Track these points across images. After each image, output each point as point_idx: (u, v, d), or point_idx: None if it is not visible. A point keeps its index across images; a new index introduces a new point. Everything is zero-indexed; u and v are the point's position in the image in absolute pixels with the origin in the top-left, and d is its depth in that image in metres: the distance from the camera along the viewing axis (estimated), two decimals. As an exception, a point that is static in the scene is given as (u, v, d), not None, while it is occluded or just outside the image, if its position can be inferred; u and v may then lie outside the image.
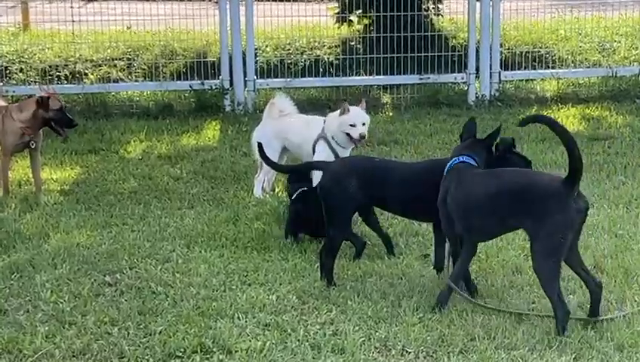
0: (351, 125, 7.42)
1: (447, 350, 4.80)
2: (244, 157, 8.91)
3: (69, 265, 6.26)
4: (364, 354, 4.74)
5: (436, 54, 11.40)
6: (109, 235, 6.90)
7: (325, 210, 5.91)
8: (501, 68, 11.39)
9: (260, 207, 7.26)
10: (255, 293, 5.66)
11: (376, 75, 11.62)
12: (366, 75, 11.69)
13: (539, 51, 11.94)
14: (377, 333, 4.99)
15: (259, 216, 7.09)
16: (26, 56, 12.53)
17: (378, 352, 4.81)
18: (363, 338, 4.91)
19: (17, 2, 14.04)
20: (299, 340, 4.99)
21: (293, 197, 6.77)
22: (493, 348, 4.81)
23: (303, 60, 12.16)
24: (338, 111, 7.48)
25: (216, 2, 11.36)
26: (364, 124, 7.53)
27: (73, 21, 12.19)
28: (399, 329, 5.01)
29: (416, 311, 5.26)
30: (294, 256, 6.32)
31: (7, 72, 11.84)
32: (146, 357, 4.87)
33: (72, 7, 12.07)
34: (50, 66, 12.33)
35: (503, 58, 11.56)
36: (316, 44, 12.50)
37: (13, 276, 6.11)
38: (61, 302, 5.63)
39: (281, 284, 5.79)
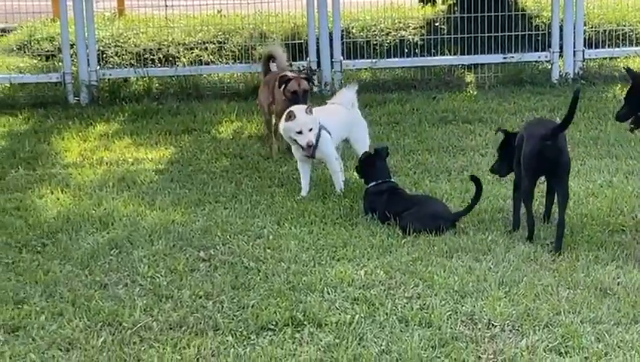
0: (297, 132, 7.22)
1: (533, 324, 4.78)
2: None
3: (165, 241, 6.37)
4: (451, 328, 4.74)
5: (520, 33, 11.28)
6: (203, 212, 6.97)
7: None
8: (585, 46, 11.22)
9: (347, 184, 7.28)
10: (344, 268, 5.69)
11: (460, 54, 11.55)
12: (450, 54, 11.62)
13: (622, 29, 11.71)
14: (463, 307, 4.99)
15: (347, 193, 7.12)
16: (121, 41, 12.72)
17: (464, 326, 4.80)
18: (449, 312, 4.92)
19: (113, -12, 14.32)
20: (387, 314, 5.01)
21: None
22: (579, 321, 4.77)
23: (388, 41, 12.14)
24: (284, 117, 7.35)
25: (304, -15, 11.41)
26: (311, 130, 7.26)
27: (166, 6, 12.46)
28: (485, 304, 5.00)
29: (502, 286, 5.26)
30: (382, 232, 6.33)
31: (104, 55, 12.00)
32: (240, 330, 4.93)
33: (165, -8, 12.34)
34: (144, 50, 12.47)
35: (587, 36, 11.39)
36: (401, 24, 12.45)
37: (112, 252, 6.23)
38: (158, 277, 5.75)
39: (369, 260, 5.82)
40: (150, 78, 11.77)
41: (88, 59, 11.42)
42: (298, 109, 7.40)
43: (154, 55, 12.54)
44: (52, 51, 12.85)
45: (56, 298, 5.51)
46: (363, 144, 7.72)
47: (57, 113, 10.77)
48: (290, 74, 8.73)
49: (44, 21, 14.42)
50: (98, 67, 11.51)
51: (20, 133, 10.09)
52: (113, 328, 5.04)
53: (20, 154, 9.06)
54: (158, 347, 4.79)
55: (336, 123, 7.70)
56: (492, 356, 4.50)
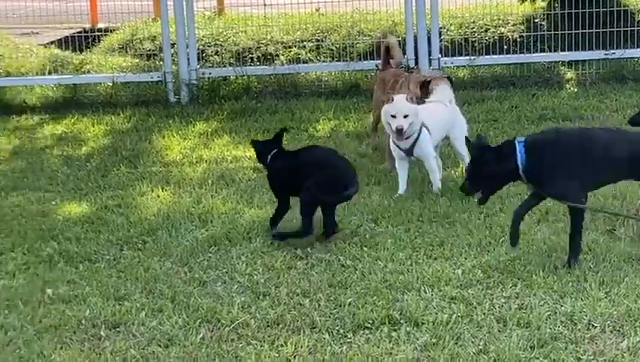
0: (392, 116, 7.23)
1: (634, 325, 4.72)
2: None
3: (262, 238, 6.46)
4: (550, 328, 4.71)
5: (622, 29, 11.17)
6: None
7: None
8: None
9: (445, 183, 7.28)
10: (441, 267, 5.70)
11: (560, 51, 11.43)
12: (550, 51, 11.53)
13: None
14: (563, 307, 4.95)
15: (444, 191, 7.12)
16: (221, 40, 12.89)
17: (564, 326, 4.76)
18: (548, 312, 4.88)
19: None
20: (484, 313, 5.00)
21: None
22: (682, 322, 4.70)
23: (486, 38, 12.09)
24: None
25: (402, -17, 11.43)
26: (405, 116, 7.22)
27: (265, 5, 12.66)
28: (585, 304, 4.96)
29: (602, 286, 5.20)
30: (479, 230, 6.32)
31: (204, 54, 12.21)
32: (337, 328, 4.96)
33: (264, -8, 12.53)
34: (243, 49, 12.62)
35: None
36: (500, 21, 12.39)
37: (210, 249, 6.35)
38: (255, 274, 5.83)
39: (466, 258, 5.81)
40: (249, 77, 11.93)
41: (189, 59, 11.61)
42: (399, 96, 7.40)
43: (253, 54, 12.66)
44: (153, 50, 13.04)
45: (155, 294, 5.65)
46: (462, 142, 7.62)
47: (158, 112, 11.00)
48: (430, 75, 8.65)
49: (145, 21, 14.66)
50: (198, 66, 11.70)
51: (121, 132, 10.31)
52: (212, 325, 5.12)
53: (122, 152, 9.30)
54: (256, 344, 4.85)
55: (436, 121, 7.67)
56: (592, 357, 4.45)
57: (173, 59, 11.73)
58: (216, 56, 12.58)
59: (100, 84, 12.07)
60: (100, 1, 15.02)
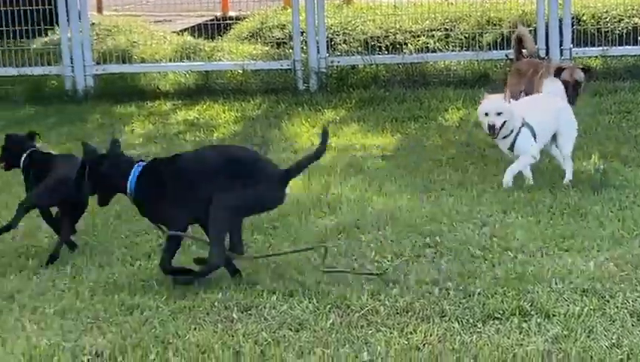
0: (485, 114, 7.21)
1: None
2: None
3: (391, 227, 6.46)
4: (687, 323, 4.61)
5: None
6: (429, 200, 7.02)
7: None
8: None
9: (576, 175, 7.19)
10: (572, 259, 5.61)
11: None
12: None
13: None
14: (700, 303, 4.84)
15: (575, 183, 7.04)
16: (350, 28, 13.01)
17: (702, 322, 4.65)
18: (685, 307, 4.78)
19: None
20: (617, 307, 4.90)
21: None
22: None
23: (620, 28, 11.94)
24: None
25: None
26: (499, 114, 7.14)
27: (394, -7, 12.70)
28: None
29: None
30: (612, 223, 6.21)
31: (333, 43, 12.27)
32: (466, 317, 4.93)
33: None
34: (371, 37, 12.71)
35: None
36: (634, 11, 12.22)
37: (339, 236, 6.37)
38: (384, 262, 5.83)
39: (598, 251, 5.72)
40: (377, 66, 11.99)
41: (318, 47, 11.74)
42: (494, 95, 7.41)
43: (381, 42, 12.70)
44: (283, 39, 13.22)
45: (286, 279, 5.69)
46: (567, 145, 7.53)
47: (287, 99, 11.15)
48: (565, 64, 8.55)
49: (275, 9, 14.93)
50: (327, 54, 11.82)
51: (252, 118, 10.53)
52: (341, 311, 5.14)
53: (252, 139, 9.42)
54: (385, 331, 4.84)
55: (543, 119, 7.56)
56: None
57: (303, 48, 11.89)
58: (344, 45, 12.66)
59: (231, 71, 12.30)
60: (231, -10, 15.37)
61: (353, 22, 13.17)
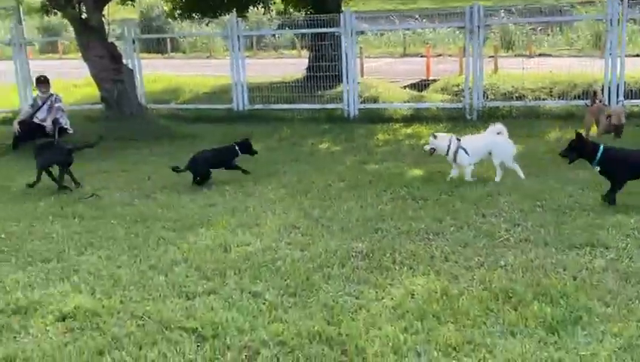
0: (429, 144, 7.35)
1: None
2: None
3: (516, 194, 6.39)
4: None
5: None
6: (538, 179, 6.98)
7: None
8: None
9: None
10: (617, 216, 5.48)
11: None
12: None
13: None
14: None
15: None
16: (495, 86, 13.68)
17: None
18: None
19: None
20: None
21: None
22: None
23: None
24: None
25: None
26: (432, 145, 7.23)
27: None
28: None
29: None
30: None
31: (485, 94, 12.47)
32: (560, 246, 4.93)
33: None
34: (508, 91, 13.45)
35: None
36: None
37: (488, 197, 6.32)
38: (513, 213, 5.83)
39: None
40: (511, 107, 12.21)
41: (478, 96, 12.14)
42: (439, 135, 7.44)
43: (513, 94, 13.35)
44: (458, 91, 13.89)
45: (461, 220, 5.69)
46: (496, 160, 7.25)
47: (460, 124, 11.17)
48: (615, 109, 8.50)
49: (454, 75, 15.83)
50: (483, 100, 12.17)
51: None
52: (489, 238, 5.20)
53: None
54: (514, 251, 4.87)
55: (476, 145, 7.27)
56: None
57: (470, 96, 12.10)
58: (492, 95, 13.28)
59: (430, 108, 12.67)
60: None
61: (497, 82, 14.18)
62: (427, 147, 7.48)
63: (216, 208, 6.66)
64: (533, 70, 14.32)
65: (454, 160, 7.27)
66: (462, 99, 12.77)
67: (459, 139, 7.37)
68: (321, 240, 5.41)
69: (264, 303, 4.21)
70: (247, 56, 14.34)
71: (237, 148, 8.02)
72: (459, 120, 11.92)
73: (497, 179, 7.21)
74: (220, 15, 18.13)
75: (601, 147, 5.94)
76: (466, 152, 7.21)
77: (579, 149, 6.01)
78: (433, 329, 3.72)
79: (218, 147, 8.30)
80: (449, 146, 7.26)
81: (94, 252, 5.47)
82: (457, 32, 25.03)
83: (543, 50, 22.88)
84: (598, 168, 6.01)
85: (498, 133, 7.26)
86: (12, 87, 14.93)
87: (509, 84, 13.87)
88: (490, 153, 7.28)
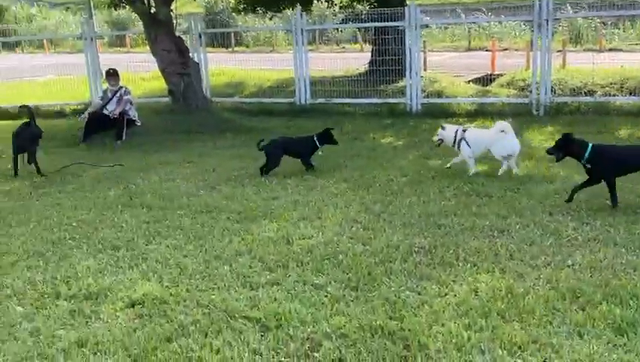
0: (437, 135, 7.65)
1: None
2: None
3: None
4: None
5: None
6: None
7: None
8: None
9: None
10: None
11: None
12: None
13: None
14: None
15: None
16: (563, 81, 13.07)
17: None
18: None
19: None
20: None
21: None
22: None
23: None
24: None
25: None
26: (440, 135, 7.55)
27: None
28: None
29: None
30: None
31: (553, 89, 12.19)
32: (631, 246, 4.84)
33: None
34: (576, 86, 12.88)
35: None
36: None
37: (556, 195, 6.26)
38: (581, 212, 5.70)
39: None
40: (579, 103, 11.94)
41: (545, 90, 11.98)
42: (447, 126, 7.71)
43: (581, 90, 12.73)
44: (524, 87, 13.42)
45: (527, 217, 5.65)
46: (497, 154, 7.36)
47: (525, 120, 11.01)
48: None
49: (520, 70, 15.27)
50: (550, 96, 11.97)
51: None
52: (555, 236, 5.15)
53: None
54: (581, 250, 4.82)
55: (478, 138, 7.48)
56: None
57: (537, 91, 11.96)
58: (560, 90, 12.66)
59: (495, 103, 12.52)
60: None
61: (565, 77, 13.81)
62: (435, 138, 7.75)
63: (279, 201, 6.76)
64: (603, 65, 14.32)
65: (458, 149, 7.56)
66: (528, 94, 12.64)
67: (464, 130, 7.59)
68: (383, 235, 5.43)
69: (326, 296, 4.25)
70: (310, 50, 14.30)
71: (316, 140, 8.06)
72: (525, 115, 11.77)
73: (500, 172, 7.39)
74: (284, 9, 18.21)
75: (590, 145, 5.93)
76: (468, 144, 7.40)
77: (566, 148, 6.02)
78: (497, 327, 3.70)
79: (298, 137, 8.44)
80: (455, 137, 7.51)
81: (162, 241, 5.62)
82: (524, 25, 24.51)
83: (614, 45, 22.16)
84: (589, 166, 5.98)
85: (502, 131, 7.32)
86: (83, 80, 15.30)
87: (577, 79, 13.53)
88: (489, 149, 7.46)
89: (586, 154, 5.88)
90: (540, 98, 12.19)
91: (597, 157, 5.88)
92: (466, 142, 7.42)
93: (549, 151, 6.21)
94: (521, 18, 18.82)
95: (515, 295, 4.13)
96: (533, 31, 12.29)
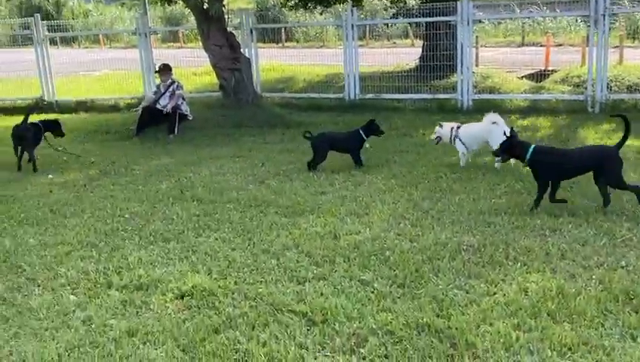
0: (435, 132, 7.81)
1: None
2: None
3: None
4: None
5: None
6: None
7: None
8: None
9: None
10: None
11: None
12: None
13: None
14: None
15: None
16: (620, 78, 12.89)
17: None
18: None
19: None
20: None
21: None
22: None
23: None
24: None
25: None
26: (438, 133, 7.69)
27: None
28: None
29: None
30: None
31: (609, 86, 12.01)
32: None
33: None
34: (633, 83, 12.62)
35: None
36: None
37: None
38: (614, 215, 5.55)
39: None
40: (636, 100, 11.75)
41: (601, 87, 11.81)
42: (445, 124, 7.86)
43: (639, 86, 12.48)
44: (579, 83, 13.10)
45: (561, 209, 5.71)
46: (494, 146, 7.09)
47: (580, 117, 10.97)
48: None
49: (575, 67, 15.08)
50: (606, 92, 11.82)
51: (560, 126, 10.29)
52: (609, 236, 5.06)
53: (561, 137, 9.24)
54: (636, 251, 4.77)
55: (472, 134, 7.67)
56: None
57: (592, 88, 11.84)
58: (616, 87, 12.48)
59: (550, 100, 12.33)
60: None
61: (622, 73, 13.59)
62: (433, 136, 7.95)
63: (327, 196, 6.81)
64: (662, 61, 13.80)
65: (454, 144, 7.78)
66: (584, 91, 12.51)
67: (459, 127, 7.77)
68: (431, 232, 5.43)
69: (373, 292, 4.26)
70: (360, 46, 14.35)
71: (362, 133, 8.06)
72: (580, 113, 11.72)
73: (497, 165, 7.53)
74: (334, 4, 18.24)
75: (532, 146, 5.87)
76: (461, 141, 7.64)
77: (509, 149, 6.01)
78: (547, 327, 3.66)
79: (344, 132, 8.49)
80: (451, 134, 7.74)
81: (211, 234, 5.70)
82: (579, 20, 23.97)
83: (675, 41, 21.52)
84: (528, 167, 6.00)
85: (493, 123, 7.39)
86: (137, 75, 15.56)
87: (635, 75, 13.26)
88: (487, 142, 7.56)
89: (527, 155, 5.84)
90: (595, 95, 12.06)
91: (536, 160, 5.85)
92: (459, 140, 7.62)
93: (494, 153, 6.26)
94: (577, 13, 18.39)
95: (566, 295, 4.08)
96: (589, 26, 12.13)
